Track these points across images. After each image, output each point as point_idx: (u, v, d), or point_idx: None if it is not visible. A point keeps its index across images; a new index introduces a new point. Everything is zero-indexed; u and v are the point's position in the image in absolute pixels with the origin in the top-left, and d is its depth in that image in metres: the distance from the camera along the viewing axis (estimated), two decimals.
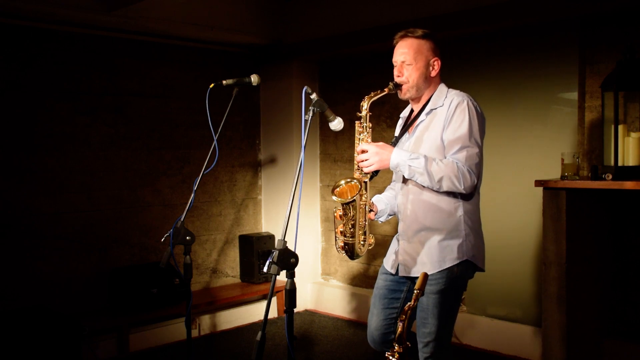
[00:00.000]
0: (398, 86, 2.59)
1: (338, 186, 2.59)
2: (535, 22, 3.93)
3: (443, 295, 2.53)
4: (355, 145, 2.59)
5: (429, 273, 2.49)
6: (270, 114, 5.49)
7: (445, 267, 2.53)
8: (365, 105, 2.55)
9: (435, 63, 2.61)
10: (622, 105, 3.49)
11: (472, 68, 4.34)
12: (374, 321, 2.77)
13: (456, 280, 2.56)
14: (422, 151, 2.56)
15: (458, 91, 2.62)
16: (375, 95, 2.55)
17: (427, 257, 2.56)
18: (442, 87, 2.64)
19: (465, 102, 2.51)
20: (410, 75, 2.57)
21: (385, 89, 2.57)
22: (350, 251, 2.59)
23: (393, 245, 2.76)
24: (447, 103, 2.55)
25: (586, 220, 3.60)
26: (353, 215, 2.52)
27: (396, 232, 2.77)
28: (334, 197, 2.52)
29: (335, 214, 2.58)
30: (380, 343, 2.78)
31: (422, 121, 2.62)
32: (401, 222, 2.67)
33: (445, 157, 2.51)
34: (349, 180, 2.58)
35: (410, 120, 2.70)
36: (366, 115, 2.56)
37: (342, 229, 2.57)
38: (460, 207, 2.55)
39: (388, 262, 2.75)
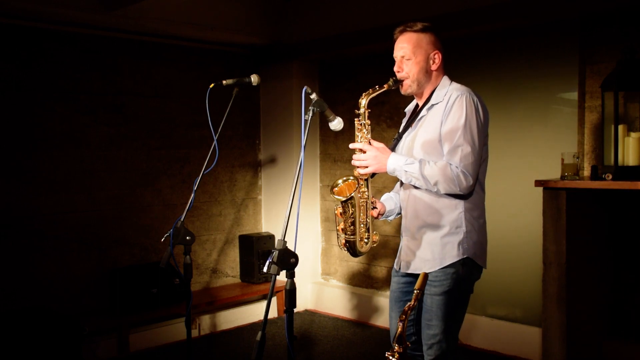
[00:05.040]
0: (398, 82, 2.56)
1: (337, 184, 2.59)
2: (536, 22, 3.93)
3: (447, 296, 2.50)
4: (355, 142, 2.58)
5: (430, 271, 2.50)
6: (270, 114, 5.49)
7: (445, 265, 2.50)
8: (363, 102, 2.52)
9: (436, 56, 2.56)
10: (622, 105, 3.48)
11: (472, 68, 4.33)
12: (394, 323, 2.71)
13: (461, 282, 2.52)
14: (418, 146, 2.54)
15: (460, 85, 2.57)
16: (373, 92, 2.52)
17: (429, 253, 2.53)
18: (444, 81, 2.60)
19: (464, 97, 2.46)
20: (410, 70, 2.54)
21: (385, 85, 2.53)
22: (352, 249, 2.58)
23: (399, 244, 2.75)
24: (447, 98, 2.50)
25: (586, 220, 3.60)
26: (352, 213, 2.51)
27: (397, 232, 2.77)
28: (333, 195, 2.52)
29: (336, 212, 2.56)
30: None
31: (423, 116, 2.58)
32: (404, 219, 2.66)
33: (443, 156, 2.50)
34: (347, 178, 2.58)
35: (413, 116, 2.67)
36: (364, 112, 2.53)
37: (342, 227, 2.55)
38: (461, 204, 2.51)
39: (397, 262, 2.72)
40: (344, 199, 2.49)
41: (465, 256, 2.50)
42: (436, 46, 2.56)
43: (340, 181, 2.59)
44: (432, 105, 2.55)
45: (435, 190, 2.45)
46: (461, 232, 2.50)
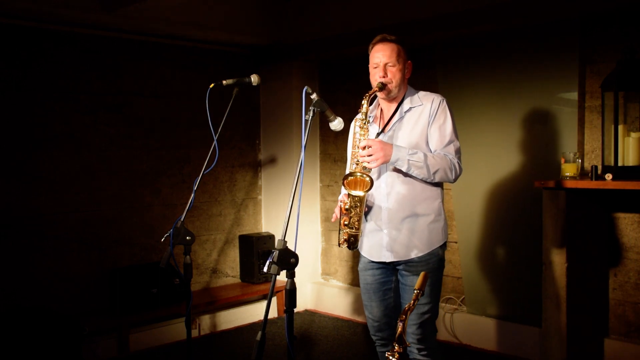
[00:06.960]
0: (384, 86, 2.73)
1: (349, 180, 2.61)
2: (536, 22, 3.93)
3: (434, 274, 2.74)
4: (353, 141, 2.70)
5: (418, 255, 2.73)
6: (270, 114, 5.49)
7: (433, 248, 2.74)
8: (365, 103, 2.68)
9: (410, 66, 2.83)
10: (622, 105, 3.49)
11: (473, 68, 4.34)
12: (376, 312, 2.88)
13: (441, 261, 2.80)
14: (401, 142, 2.72)
15: (429, 92, 2.83)
16: (371, 94, 2.71)
17: (418, 240, 2.73)
18: (410, 88, 2.85)
19: (445, 101, 2.77)
20: (394, 75, 2.74)
21: (375, 88, 2.73)
22: (354, 243, 2.71)
23: (373, 237, 2.81)
24: (428, 102, 2.76)
25: (586, 220, 3.61)
26: (359, 209, 2.62)
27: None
28: (352, 192, 2.58)
29: (341, 207, 2.65)
30: (386, 329, 2.91)
31: (400, 118, 2.78)
32: (385, 212, 2.75)
33: (433, 150, 2.72)
34: (362, 174, 2.60)
35: (389, 118, 2.82)
36: (367, 112, 2.69)
37: (346, 222, 2.66)
38: (439, 194, 2.80)
39: (375, 254, 2.82)
40: (359, 194, 2.59)
41: (445, 240, 2.81)
42: (409, 57, 2.83)
43: (352, 176, 2.62)
44: (410, 108, 2.78)
45: (431, 179, 2.67)
46: (442, 219, 2.80)
